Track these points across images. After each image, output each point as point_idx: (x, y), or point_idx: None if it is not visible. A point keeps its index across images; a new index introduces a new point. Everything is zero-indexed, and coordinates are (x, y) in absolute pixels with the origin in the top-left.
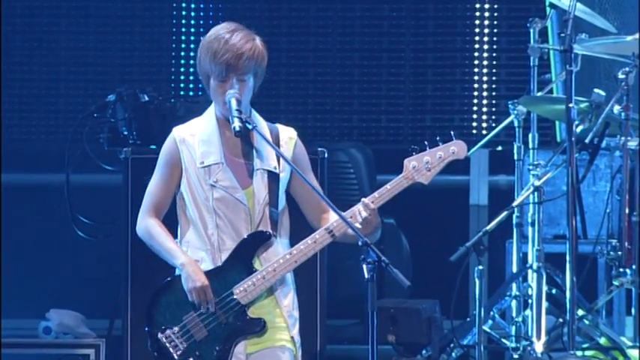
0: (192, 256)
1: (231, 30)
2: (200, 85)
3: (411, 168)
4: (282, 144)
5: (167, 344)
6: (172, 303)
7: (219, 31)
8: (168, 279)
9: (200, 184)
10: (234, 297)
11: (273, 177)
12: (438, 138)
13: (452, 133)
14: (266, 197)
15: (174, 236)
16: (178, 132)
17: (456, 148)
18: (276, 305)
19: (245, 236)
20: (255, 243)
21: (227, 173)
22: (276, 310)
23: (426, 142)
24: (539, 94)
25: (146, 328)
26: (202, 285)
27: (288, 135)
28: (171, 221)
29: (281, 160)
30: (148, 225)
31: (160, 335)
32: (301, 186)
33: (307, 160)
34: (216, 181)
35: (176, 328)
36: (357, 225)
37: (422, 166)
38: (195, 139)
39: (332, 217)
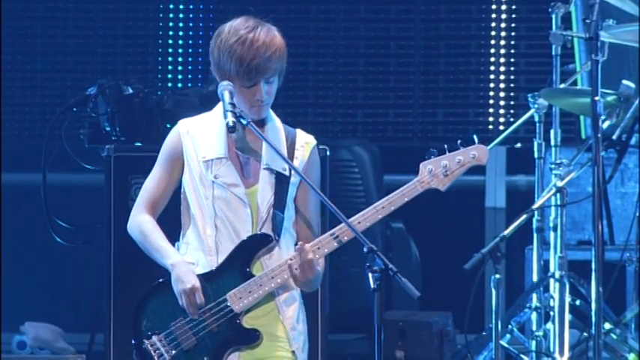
0: (189, 257)
1: (252, 28)
2: (190, 77)
3: (427, 172)
4: (298, 147)
5: (152, 352)
6: (161, 307)
7: (239, 30)
8: (160, 280)
9: (201, 180)
10: (228, 304)
11: (281, 178)
12: (459, 141)
13: (475, 136)
14: (271, 198)
15: (177, 236)
16: (184, 124)
17: (477, 153)
18: (278, 315)
19: (245, 238)
20: (254, 246)
21: (230, 169)
22: (277, 321)
23: (445, 146)
24: (562, 86)
25: (132, 341)
26: (192, 287)
27: (305, 140)
28: (172, 219)
29: (294, 162)
30: (140, 221)
31: (145, 342)
32: (302, 198)
33: (318, 175)
34: (216, 177)
35: (162, 335)
36: (295, 271)
37: (439, 170)
38: (201, 132)
39: None
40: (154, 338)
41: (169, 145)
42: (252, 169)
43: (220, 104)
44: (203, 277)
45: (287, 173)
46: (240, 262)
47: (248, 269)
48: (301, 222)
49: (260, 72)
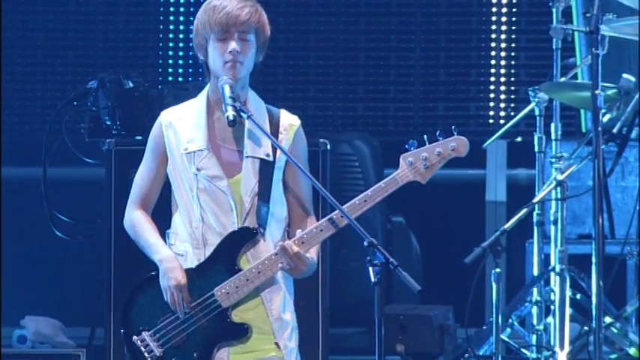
0: (178, 249)
1: None
2: (190, 70)
3: (406, 165)
4: (282, 130)
5: (142, 348)
6: (150, 302)
7: None
8: (149, 275)
9: (185, 172)
10: (216, 299)
11: (266, 165)
12: (438, 132)
13: (453, 127)
14: (255, 187)
15: (167, 227)
16: (166, 116)
17: (456, 144)
18: (263, 308)
19: (229, 232)
20: (239, 240)
21: (211, 160)
22: (262, 314)
23: (425, 137)
24: (563, 79)
25: (121, 330)
26: (177, 284)
27: (289, 121)
28: (164, 209)
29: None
30: (133, 218)
31: (134, 338)
32: (292, 180)
33: (305, 153)
34: (199, 169)
35: (152, 331)
36: (286, 267)
37: (419, 163)
38: (183, 123)
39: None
40: (144, 334)
41: (153, 138)
42: (235, 159)
43: (204, 92)
44: (191, 272)
45: (271, 159)
46: (226, 256)
47: (234, 264)
48: (294, 202)
49: (233, 20)
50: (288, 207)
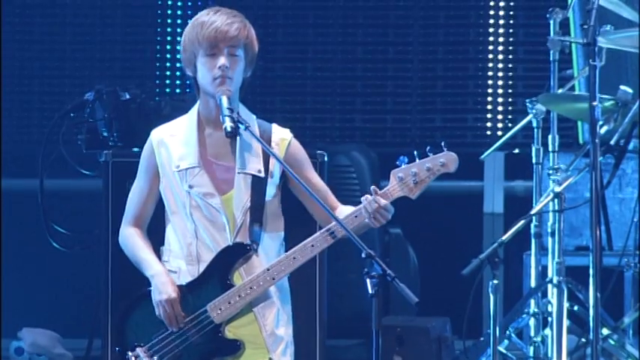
0: (171, 265)
1: (216, 10)
2: (187, 82)
3: (396, 181)
4: (274, 145)
5: None
6: (145, 318)
7: (202, 12)
8: (143, 291)
9: (177, 189)
10: (208, 315)
11: (258, 181)
12: (428, 148)
13: (442, 143)
14: (247, 203)
15: (161, 244)
16: (156, 134)
17: (445, 160)
18: (256, 324)
19: (223, 247)
20: (232, 256)
21: (203, 178)
22: (256, 330)
23: (415, 153)
24: (560, 91)
25: (117, 348)
26: (168, 298)
27: (280, 136)
28: (159, 225)
29: (270, 163)
30: (126, 235)
31: (129, 354)
32: (300, 192)
33: (306, 158)
34: (191, 187)
35: (146, 347)
36: (373, 221)
37: (409, 179)
38: (175, 140)
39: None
40: (138, 350)
41: (145, 158)
42: (227, 176)
43: (195, 108)
44: (184, 288)
45: (262, 175)
46: (219, 272)
47: (228, 279)
48: (314, 203)
49: (221, 36)
50: (313, 212)
